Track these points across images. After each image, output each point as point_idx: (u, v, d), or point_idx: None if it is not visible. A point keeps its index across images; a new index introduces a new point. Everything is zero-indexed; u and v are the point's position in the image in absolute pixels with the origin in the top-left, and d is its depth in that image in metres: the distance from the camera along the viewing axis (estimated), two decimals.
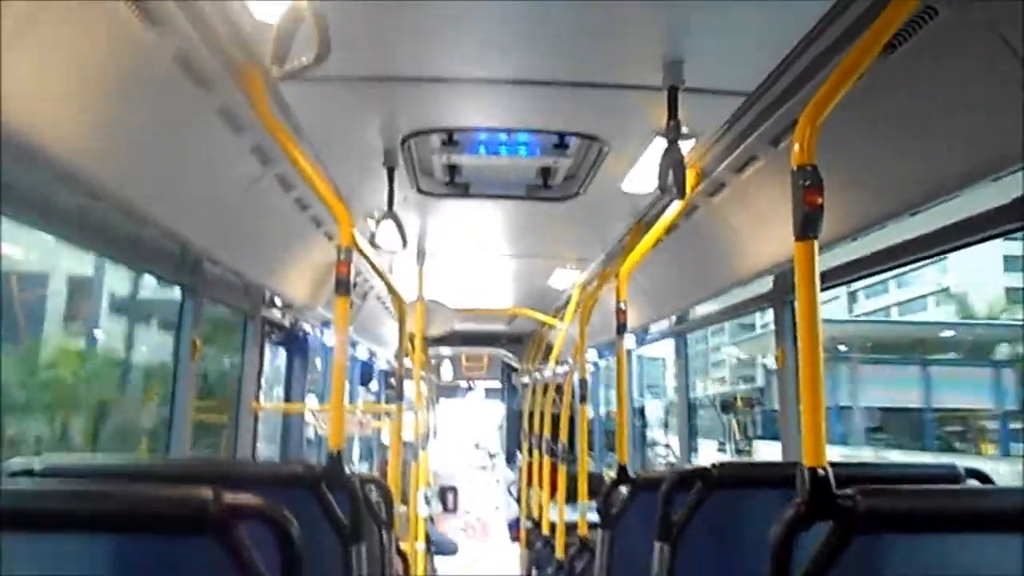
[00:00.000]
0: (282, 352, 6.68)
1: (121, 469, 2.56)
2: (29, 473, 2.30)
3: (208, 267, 4.11)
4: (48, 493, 1.59)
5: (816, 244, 1.79)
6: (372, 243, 4.16)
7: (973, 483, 2.57)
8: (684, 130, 2.84)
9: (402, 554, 3.95)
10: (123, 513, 1.52)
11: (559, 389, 8.03)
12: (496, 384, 13.13)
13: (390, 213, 3.97)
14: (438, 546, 8.19)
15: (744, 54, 2.65)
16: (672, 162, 2.81)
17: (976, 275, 34.44)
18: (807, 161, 1.80)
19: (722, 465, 2.69)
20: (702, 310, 6.07)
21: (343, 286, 3.00)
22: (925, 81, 2.35)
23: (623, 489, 3.42)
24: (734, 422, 23.30)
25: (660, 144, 3.22)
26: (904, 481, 2.50)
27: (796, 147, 1.82)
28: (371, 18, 2.41)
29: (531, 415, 8.84)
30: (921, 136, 2.54)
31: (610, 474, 5.80)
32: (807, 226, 1.78)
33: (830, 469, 1.65)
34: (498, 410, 13.52)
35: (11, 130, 1.98)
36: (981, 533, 1.67)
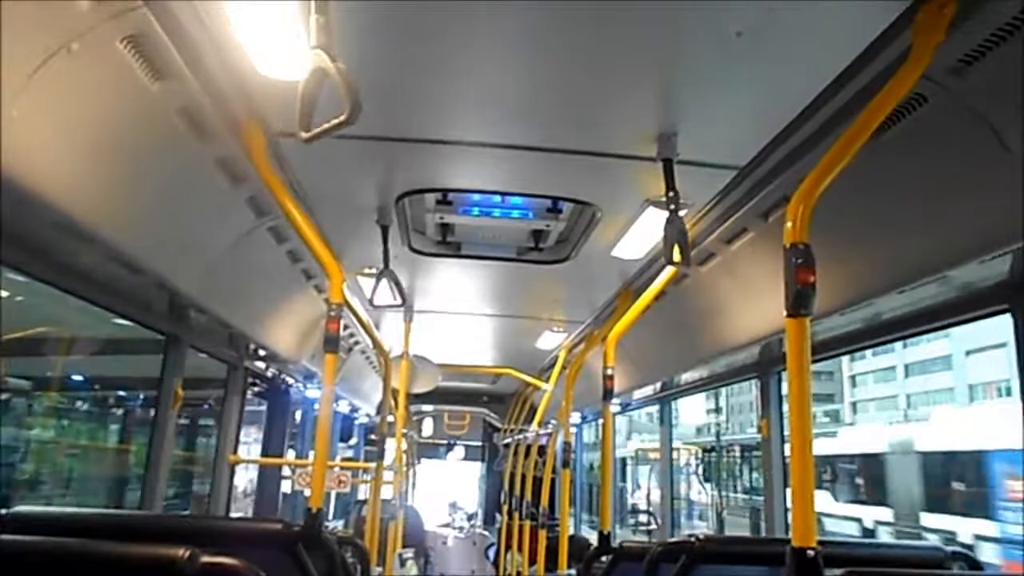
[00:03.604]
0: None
1: (94, 523, 2.49)
2: None
3: (194, 316, 4.08)
4: (19, 547, 1.54)
5: (808, 321, 1.81)
6: (371, 302, 4.16)
7: (960, 565, 2.55)
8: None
9: None
10: (95, 570, 1.48)
11: (541, 451, 7.95)
12: (477, 443, 12.97)
13: (387, 272, 3.97)
14: None
15: (736, 130, 2.71)
16: (676, 232, 2.84)
17: None
18: (800, 239, 1.82)
19: (706, 539, 2.66)
20: (687, 377, 6.07)
21: (332, 343, 2.98)
22: (913, 162, 2.41)
23: (604, 559, 3.36)
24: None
25: (652, 212, 3.28)
26: (890, 562, 2.48)
27: (789, 225, 1.85)
28: (373, 80, 2.45)
29: (512, 476, 8.73)
30: (909, 216, 2.58)
31: (591, 540, 5.70)
32: (799, 303, 1.80)
33: (819, 550, 1.63)
34: (477, 471, 13.32)
35: (9, 173, 1.98)
36: None
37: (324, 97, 1.73)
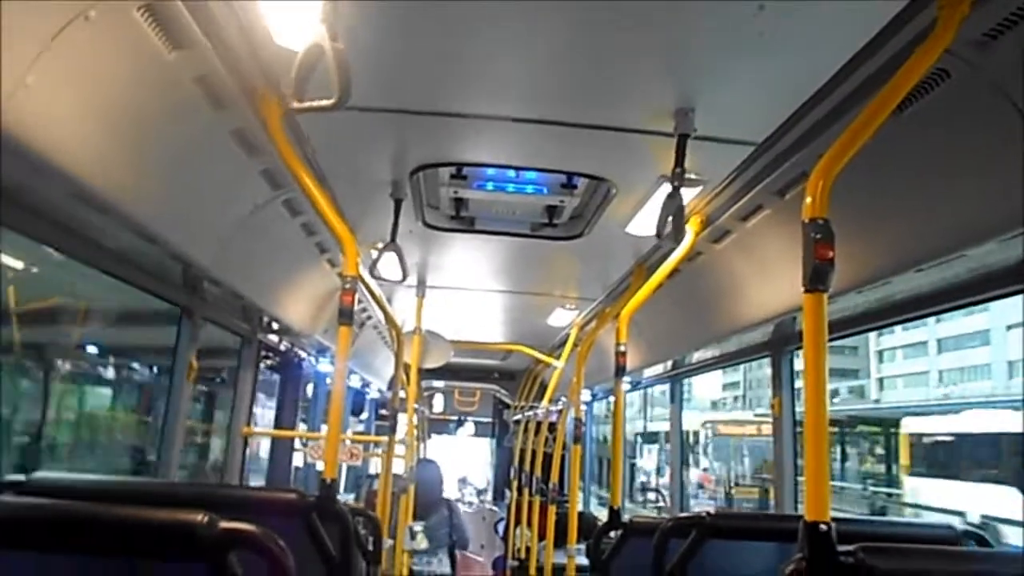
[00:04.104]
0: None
1: (112, 490, 2.52)
2: (18, 489, 2.26)
3: (207, 288, 4.10)
4: (39, 511, 1.56)
5: (825, 297, 1.80)
6: (372, 273, 4.16)
7: (971, 544, 2.55)
8: (692, 176, 2.87)
9: None
10: (116, 535, 1.50)
11: (551, 427, 7.99)
12: (487, 419, 13.04)
13: (392, 245, 3.98)
14: None
15: (754, 105, 2.68)
16: (673, 207, 2.84)
17: None
18: (819, 214, 1.81)
19: (716, 514, 2.67)
20: (699, 355, 6.07)
21: (347, 315, 2.99)
22: (934, 139, 2.38)
23: (613, 534, 3.38)
24: None
25: (667, 188, 3.26)
26: (903, 539, 2.48)
27: (808, 200, 1.83)
28: (388, 52, 2.44)
29: (522, 452, 8.77)
30: (928, 193, 2.56)
31: (601, 518, 5.73)
32: (817, 279, 1.79)
33: (833, 525, 1.64)
34: (488, 447, 13.40)
35: (26, 142, 1.99)
36: None
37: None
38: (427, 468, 7.43)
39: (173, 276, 3.85)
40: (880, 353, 45.95)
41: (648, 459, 25.97)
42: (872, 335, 38.96)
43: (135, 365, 6.67)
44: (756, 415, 25.63)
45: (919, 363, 42.76)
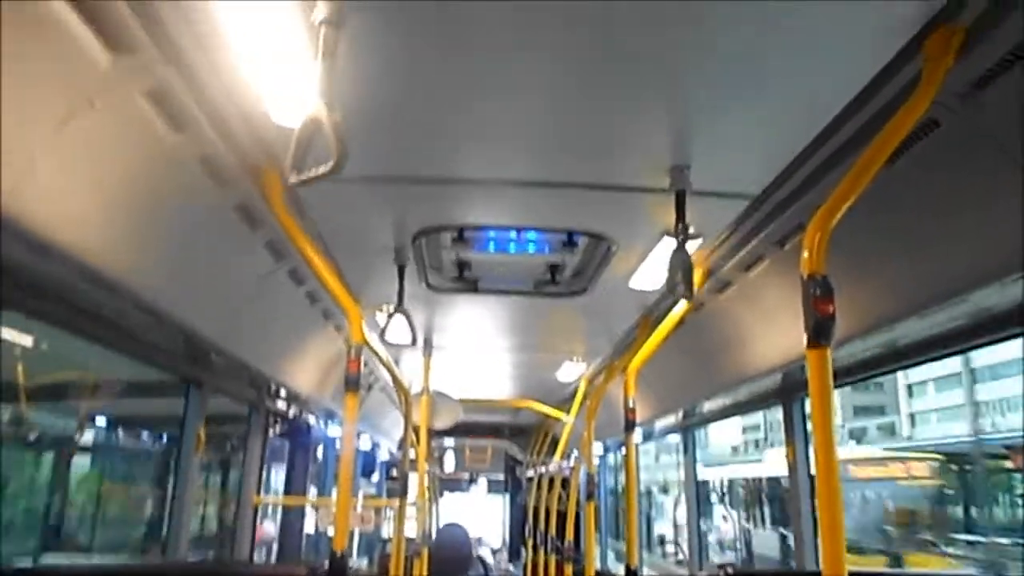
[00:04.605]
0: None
1: (121, 574, 2.49)
2: None
3: (214, 359, 4.11)
4: None
5: (829, 351, 1.79)
6: (382, 338, 4.17)
7: None
8: (691, 231, 2.89)
9: None
10: None
11: (565, 483, 7.89)
12: (499, 476, 12.89)
13: (400, 309, 3.99)
14: None
15: (749, 160, 2.71)
16: (680, 263, 2.85)
17: None
18: (817, 270, 1.82)
19: (735, 571, 2.62)
20: (709, 405, 6.02)
21: (353, 383, 2.99)
22: (929, 187, 2.40)
23: None
24: None
25: (667, 243, 3.28)
26: None
27: (805, 255, 1.84)
28: (385, 120, 2.48)
29: (536, 510, 8.65)
30: (926, 240, 2.57)
31: (618, 575, 5.62)
32: (819, 334, 1.79)
33: None
34: (501, 505, 13.22)
35: (34, 224, 2.02)
36: None
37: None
38: (454, 532, 7.27)
39: (179, 349, 3.86)
40: (909, 387, 44.77)
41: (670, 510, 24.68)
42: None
43: (144, 436, 6.66)
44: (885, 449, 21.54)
45: (953, 396, 41.34)
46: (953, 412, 39.03)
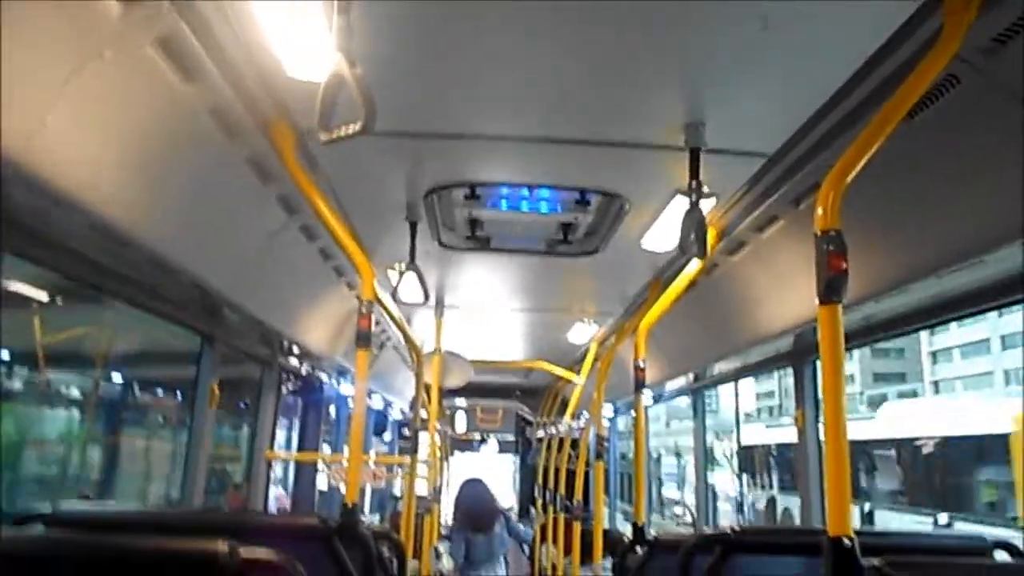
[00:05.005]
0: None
1: (133, 519, 2.54)
2: (39, 520, 2.29)
3: (227, 315, 4.14)
4: (60, 543, 1.58)
5: (840, 308, 1.78)
6: (394, 297, 4.18)
7: (1003, 555, 2.50)
8: (705, 190, 2.87)
9: None
10: (139, 566, 1.51)
11: (575, 444, 7.95)
12: (510, 437, 13.01)
13: (412, 266, 4.00)
14: None
15: (765, 117, 2.68)
16: (694, 222, 2.83)
17: None
18: (831, 226, 1.80)
19: (742, 530, 2.65)
20: (720, 367, 6.03)
21: (364, 339, 3.01)
22: (947, 145, 2.36)
23: (639, 550, 3.36)
24: None
25: (680, 202, 3.25)
26: (931, 552, 2.44)
27: (820, 211, 1.82)
28: (399, 75, 2.46)
29: (546, 470, 8.74)
30: (944, 199, 2.54)
31: (626, 534, 5.69)
32: (831, 290, 1.78)
33: (856, 539, 1.61)
34: (511, 464, 13.35)
35: (46, 177, 2.03)
36: None
37: (350, 97, 1.74)
38: (476, 487, 7.37)
39: (194, 305, 3.89)
40: (933, 354, 43.48)
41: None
42: (924, 335, 36.41)
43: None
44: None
45: (981, 363, 40.23)
46: (979, 379, 38.16)
